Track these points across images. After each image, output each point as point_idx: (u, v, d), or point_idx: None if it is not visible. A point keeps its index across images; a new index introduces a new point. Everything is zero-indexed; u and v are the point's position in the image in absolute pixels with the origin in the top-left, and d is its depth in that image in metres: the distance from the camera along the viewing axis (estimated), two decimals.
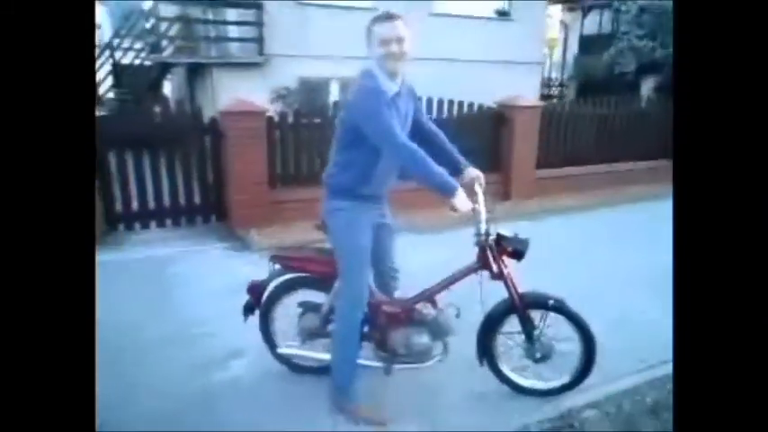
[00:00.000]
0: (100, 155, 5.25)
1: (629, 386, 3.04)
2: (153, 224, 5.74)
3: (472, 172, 2.67)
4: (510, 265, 2.63)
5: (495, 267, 2.58)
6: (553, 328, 2.75)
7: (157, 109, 6.13)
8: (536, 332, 2.73)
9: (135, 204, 5.60)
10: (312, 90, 10.72)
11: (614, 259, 5.04)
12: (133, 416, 2.72)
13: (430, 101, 6.74)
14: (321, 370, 2.92)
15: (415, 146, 2.31)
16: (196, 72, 11.71)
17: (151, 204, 5.67)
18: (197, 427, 2.66)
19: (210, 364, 3.20)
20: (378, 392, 2.86)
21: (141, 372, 3.12)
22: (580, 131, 7.80)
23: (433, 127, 2.79)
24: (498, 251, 2.58)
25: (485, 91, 7.80)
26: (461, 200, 2.29)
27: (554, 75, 20.51)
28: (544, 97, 16.79)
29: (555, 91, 19.04)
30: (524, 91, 7.74)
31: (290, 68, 10.34)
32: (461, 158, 2.73)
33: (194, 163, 5.78)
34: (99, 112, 9.07)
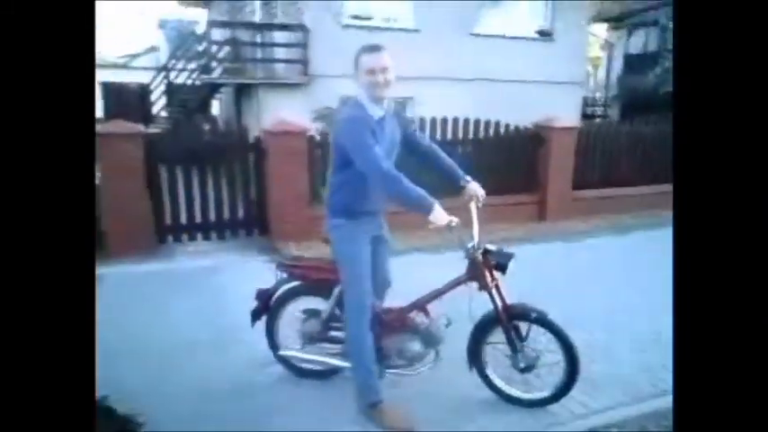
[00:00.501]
0: (151, 170, 5.60)
1: (657, 408, 3.02)
2: (199, 236, 6.06)
3: (472, 189, 2.82)
4: (498, 277, 2.77)
5: (481, 279, 2.73)
6: (540, 340, 2.85)
7: (206, 127, 6.48)
8: (520, 343, 2.84)
9: (183, 218, 5.93)
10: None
11: (650, 281, 5.01)
12: (167, 408, 2.91)
13: (467, 121, 6.88)
14: (322, 374, 3.12)
15: (394, 171, 2.48)
16: (243, 92, 12.19)
17: (198, 218, 5.99)
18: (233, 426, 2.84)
19: (250, 365, 3.39)
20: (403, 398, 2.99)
21: (183, 370, 3.33)
22: (621, 152, 7.76)
23: (430, 144, 2.98)
24: (484, 264, 2.72)
25: (525, 111, 7.88)
26: (437, 215, 2.43)
27: (597, 94, 20.29)
28: (586, 117, 16.64)
29: (598, 110, 18.82)
30: (566, 111, 7.75)
31: (332, 88, 10.66)
32: (462, 174, 2.89)
33: (239, 179, 6.07)
34: (151, 129, 9.59)
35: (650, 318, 4.16)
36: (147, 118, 13.44)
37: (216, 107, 15.07)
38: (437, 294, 2.87)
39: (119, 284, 4.73)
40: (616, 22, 18.77)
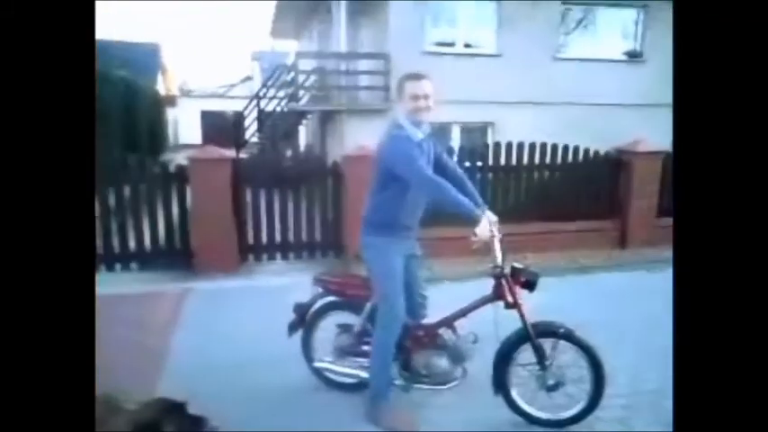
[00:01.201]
0: (236, 194, 5.98)
1: None
2: (278, 256, 6.36)
3: (490, 216, 2.86)
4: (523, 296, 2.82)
5: (509, 297, 2.79)
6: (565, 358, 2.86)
7: (289, 152, 6.83)
8: (547, 361, 2.84)
9: (264, 238, 6.26)
10: (434, 134, 11.11)
11: None
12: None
13: (543, 145, 6.77)
14: (352, 386, 3.23)
15: (441, 178, 2.69)
16: (328, 118, 12.69)
17: (278, 239, 6.30)
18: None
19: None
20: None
21: (251, 380, 3.51)
22: None
23: (457, 169, 3.10)
24: (513, 282, 2.78)
25: (612, 134, 7.69)
26: (483, 226, 2.60)
27: None
28: None
29: None
30: (656, 134, 7.41)
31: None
32: (480, 201, 2.96)
33: (317, 202, 6.33)
34: (240, 155, 10.20)
35: None
36: (240, 143, 14.29)
37: (303, 133, 15.74)
38: (465, 312, 2.97)
39: (203, 298, 5.09)
40: None
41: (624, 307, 4.88)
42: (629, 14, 11.77)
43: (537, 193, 6.83)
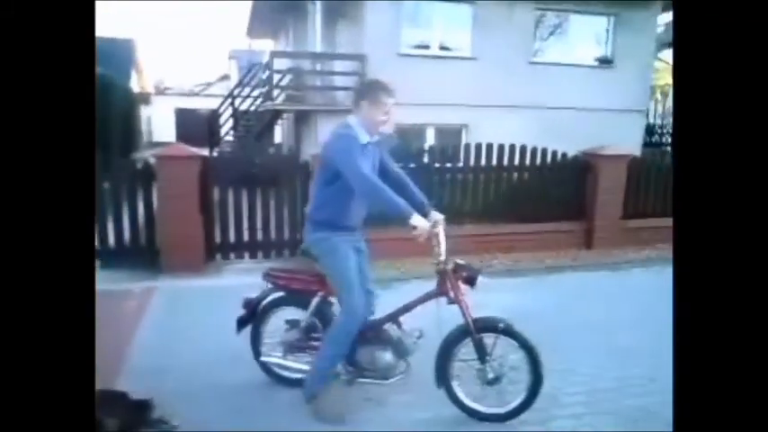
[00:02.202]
0: (206, 191, 5.93)
1: None
2: (246, 255, 6.32)
3: (435, 215, 2.98)
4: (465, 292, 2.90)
5: (451, 293, 2.86)
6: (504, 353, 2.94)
7: (260, 151, 6.79)
8: (487, 355, 2.91)
9: (232, 237, 6.21)
10: (408, 136, 11.16)
11: None
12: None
13: (512, 147, 6.85)
14: (301, 382, 3.22)
15: (380, 182, 2.76)
16: (303, 118, 12.65)
17: (246, 237, 6.26)
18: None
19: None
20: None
21: (215, 378, 3.49)
22: None
23: (401, 173, 3.18)
24: (455, 278, 2.84)
25: (583, 138, 7.82)
26: (418, 219, 2.69)
27: (668, 121, 19.56)
28: (653, 145, 16.07)
29: (666, 138, 18.12)
30: (627, 139, 7.54)
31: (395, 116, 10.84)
32: (426, 201, 3.05)
33: (286, 201, 6.31)
34: (212, 153, 10.12)
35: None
36: (214, 142, 14.17)
37: (278, 132, 15.67)
38: (409, 307, 3.03)
39: (168, 297, 5.05)
40: None
41: (587, 307, 4.95)
42: (600, 22, 11.97)
43: (506, 194, 6.91)
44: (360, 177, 2.72)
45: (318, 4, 11.34)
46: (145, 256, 5.93)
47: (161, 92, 31.10)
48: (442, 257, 2.86)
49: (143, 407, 2.59)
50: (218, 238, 6.19)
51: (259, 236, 6.30)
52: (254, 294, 3.34)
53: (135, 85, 25.03)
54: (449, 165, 6.67)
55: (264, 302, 3.33)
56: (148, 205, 5.91)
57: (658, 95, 20.40)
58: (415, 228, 2.67)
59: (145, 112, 24.85)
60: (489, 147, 6.76)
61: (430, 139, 11.25)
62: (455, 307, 2.90)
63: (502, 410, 3.02)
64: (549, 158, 6.96)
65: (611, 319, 4.63)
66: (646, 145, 13.74)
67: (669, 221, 7.25)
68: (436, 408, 3.12)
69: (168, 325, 4.44)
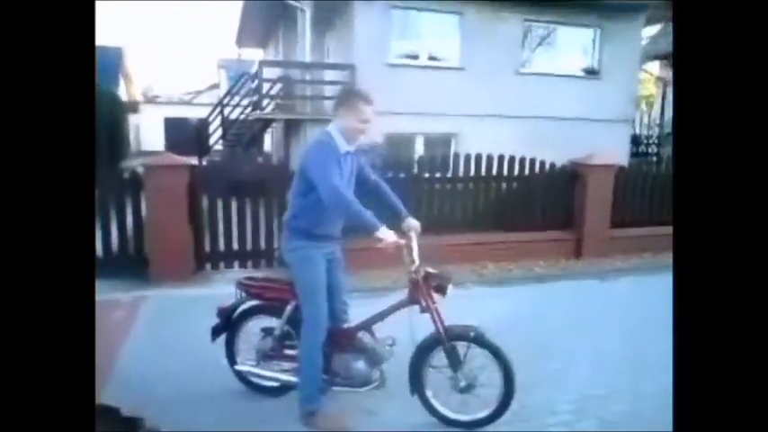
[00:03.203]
0: (194, 200, 5.91)
1: None
2: (236, 264, 6.29)
3: (411, 222, 3.03)
4: (438, 300, 2.90)
5: (423, 301, 2.88)
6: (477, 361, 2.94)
7: (249, 161, 6.78)
8: (459, 363, 2.92)
9: (221, 246, 6.18)
10: (398, 145, 11.22)
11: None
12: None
13: (501, 157, 6.90)
14: (276, 390, 3.24)
15: (349, 194, 2.79)
16: (292, 127, 12.66)
17: (235, 246, 6.24)
18: None
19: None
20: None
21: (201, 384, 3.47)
22: (665, 191, 7.53)
23: (377, 180, 3.21)
24: (426, 286, 2.85)
25: (571, 148, 7.86)
26: (384, 232, 2.68)
27: (653, 132, 19.82)
28: (639, 155, 16.26)
29: (652, 149, 18.35)
30: (613, 149, 7.62)
31: (378, 125, 10.89)
32: (403, 209, 3.13)
33: (275, 210, 6.30)
34: (201, 162, 10.09)
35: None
36: (203, 151, 14.13)
37: (268, 141, 15.65)
38: (382, 316, 3.03)
39: (157, 306, 5.01)
40: (669, 59, 18.40)
41: (574, 316, 4.99)
42: (587, 34, 12.13)
43: (495, 203, 6.95)
44: (329, 189, 2.71)
45: (308, 14, 11.40)
46: (134, 265, 5.88)
47: (150, 100, 30.93)
48: (415, 266, 2.87)
49: (134, 423, 2.58)
50: (207, 248, 6.17)
51: (248, 245, 6.28)
52: (227, 303, 3.32)
53: (123, 94, 24.91)
54: (438, 175, 6.71)
55: (239, 311, 3.31)
56: (137, 215, 5.88)
57: (644, 106, 20.68)
58: (380, 240, 2.67)
59: (133, 120, 24.73)
60: (478, 157, 6.80)
61: (419, 148, 11.30)
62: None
63: (470, 417, 3.02)
64: (537, 168, 7.02)
65: (598, 327, 4.66)
66: (632, 155, 13.91)
67: (656, 230, 7.37)
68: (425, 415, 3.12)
69: (157, 334, 4.41)
